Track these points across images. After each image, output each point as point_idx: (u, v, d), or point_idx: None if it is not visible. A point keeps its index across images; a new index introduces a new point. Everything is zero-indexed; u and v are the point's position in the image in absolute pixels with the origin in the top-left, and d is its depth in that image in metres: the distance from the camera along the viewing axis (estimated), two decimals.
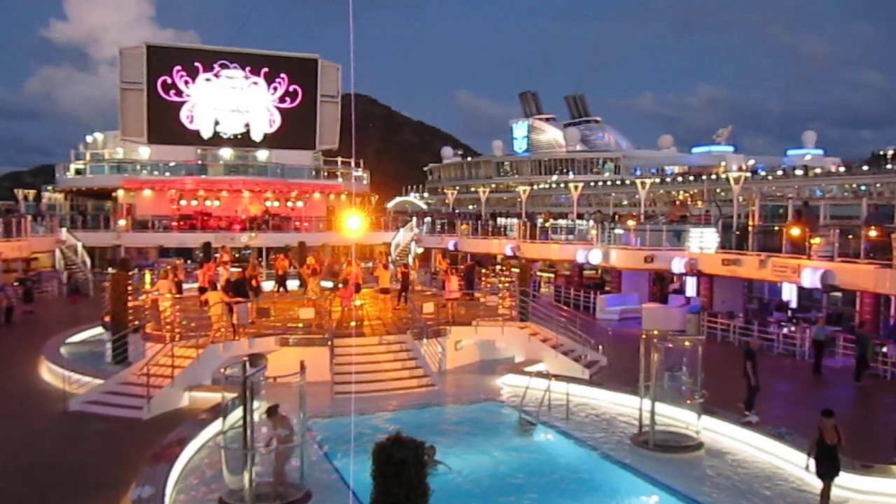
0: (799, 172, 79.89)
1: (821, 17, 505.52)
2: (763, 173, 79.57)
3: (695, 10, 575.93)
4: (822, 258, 23.50)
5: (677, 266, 29.80)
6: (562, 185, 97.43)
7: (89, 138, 61.95)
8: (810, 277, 23.24)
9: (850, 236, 23.67)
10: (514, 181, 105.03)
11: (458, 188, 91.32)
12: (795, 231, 24.68)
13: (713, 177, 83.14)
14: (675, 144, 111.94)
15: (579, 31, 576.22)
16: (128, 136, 51.26)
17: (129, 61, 49.89)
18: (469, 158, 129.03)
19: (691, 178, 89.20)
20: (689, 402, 15.46)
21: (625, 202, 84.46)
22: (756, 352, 16.99)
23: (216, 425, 14.16)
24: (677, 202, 68.19)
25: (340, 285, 24.41)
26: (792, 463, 13.80)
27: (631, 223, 35.56)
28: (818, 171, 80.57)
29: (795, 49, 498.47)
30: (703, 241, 29.71)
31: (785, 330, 25.18)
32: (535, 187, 79.32)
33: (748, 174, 32.71)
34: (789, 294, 29.01)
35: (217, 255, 31.88)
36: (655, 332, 16.00)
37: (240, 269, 26.48)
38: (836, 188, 72.47)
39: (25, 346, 24.18)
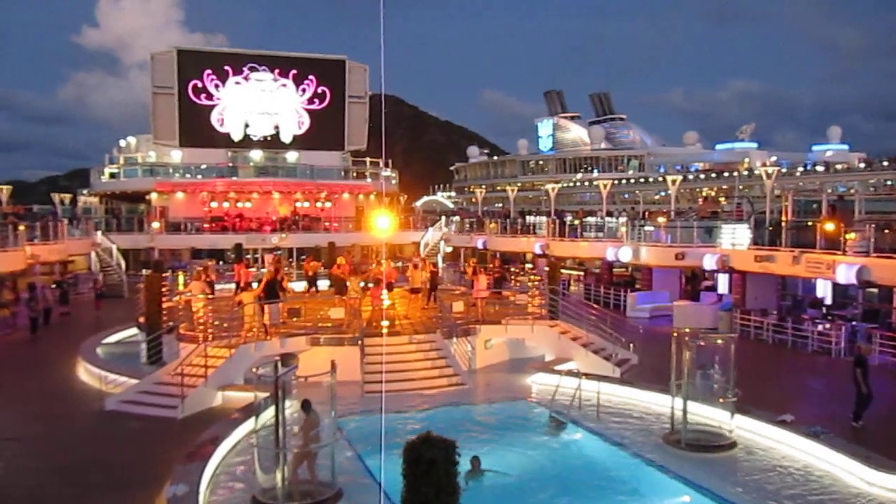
0: (820, 169, 78.77)
1: (857, 8, 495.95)
2: (784, 170, 78.66)
3: (727, 3, 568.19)
4: (857, 254, 23.07)
5: (709, 263, 29.47)
6: (586, 184, 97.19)
7: (122, 142, 63.02)
8: (845, 273, 22.84)
9: (887, 231, 23.23)
10: (539, 180, 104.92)
11: (485, 187, 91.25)
12: (830, 226, 24.28)
13: (735, 174, 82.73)
14: (700, 141, 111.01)
15: (609, 29, 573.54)
16: (160, 139, 52.02)
17: (160, 66, 50.59)
18: (495, 158, 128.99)
19: (714, 174, 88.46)
20: (721, 400, 15.28)
21: (655, 198, 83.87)
22: (867, 359, 16.64)
23: (249, 424, 14.33)
24: (708, 198, 67.52)
25: (371, 285, 24.55)
26: (827, 462, 13.60)
27: (661, 220, 35.22)
28: (839, 167, 79.44)
29: (831, 41, 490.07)
30: (736, 237, 29.36)
31: (819, 327, 24.79)
32: (561, 185, 78.96)
33: (768, 170, 32.05)
34: (824, 291, 28.53)
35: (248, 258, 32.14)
36: (687, 330, 15.83)
37: (271, 270, 26.73)
38: (858, 183, 71.19)
39: (63, 347, 24.66)
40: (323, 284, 30.11)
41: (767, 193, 31.65)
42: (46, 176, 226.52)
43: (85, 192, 64.51)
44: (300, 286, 30.36)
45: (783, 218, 28.36)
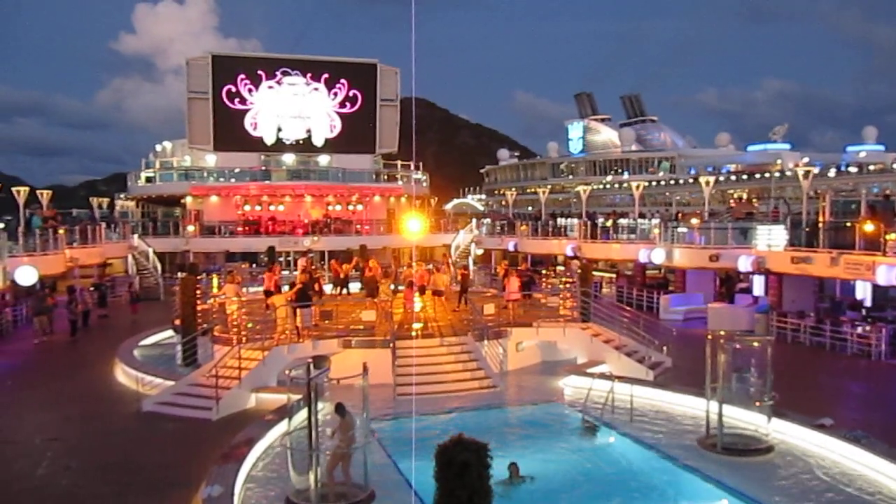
0: (853, 170, 77.50)
1: (894, 4, 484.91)
2: (817, 170, 77.33)
3: (761, 2, 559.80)
4: None
5: (744, 264, 29.06)
6: (616, 186, 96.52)
7: (158, 147, 63.99)
8: (886, 274, 22.36)
9: None
10: (569, 182, 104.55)
11: (515, 189, 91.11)
12: (870, 227, 23.77)
13: (766, 175, 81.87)
14: (732, 142, 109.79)
15: (641, 30, 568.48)
16: (195, 144, 52.73)
17: (195, 71, 51.30)
18: (525, 160, 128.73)
19: (745, 176, 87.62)
20: (758, 404, 15.03)
21: (687, 199, 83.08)
22: None
23: (282, 426, 14.43)
24: (743, 199, 66.56)
25: (401, 287, 24.63)
26: (869, 467, 13.30)
27: (695, 221, 34.81)
28: (871, 167, 78.07)
29: (867, 39, 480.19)
30: (771, 238, 28.90)
31: (859, 329, 24.29)
32: (591, 187, 78.84)
33: (804, 171, 31.36)
34: (863, 292, 27.96)
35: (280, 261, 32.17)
36: (722, 333, 15.62)
37: (304, 273, 26.89)
38: (893, 184, 69.76)
39: (101, 349, 25.13)
40: (354, 287, 30.22)
41: (804, 194, 31.12)
42: (86, 180, 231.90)
43: (122, 196, 65.59)
44: (328, 288, 30.49)
45: (820, 219, 27.86)
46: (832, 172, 77.34)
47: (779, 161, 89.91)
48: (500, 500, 9.21)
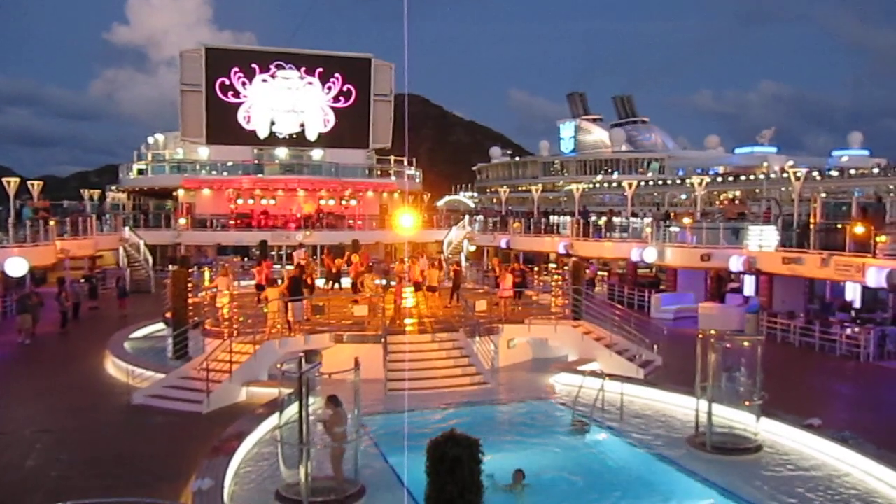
0: (834, 174, 78.72)
1: (890, 8, 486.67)
2: (801, 173, 77.88)
3: (758, 4, 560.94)
4: (888, 257, 22.71)
5: (735, 265, 29.16)
6: (606, 185, 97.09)
7: (150, 139, 63.70)
8: (875, 277, 22.49)
9: None
10: (560, 181, 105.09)
11: (507, 187, 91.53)
12: (860, 229, 23.90)
13: (752, 177, 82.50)
14: (721, 144, 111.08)
15: (637, 30, 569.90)
16: (187, 136, 52.50)
17: (188, 64, 51.07)
18: (517, 158, 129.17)
19: (731, 178, 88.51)
20: (747, 403, 15.11)
21: (676, 200, 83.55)
22: None
23: (273, 420, 14.43)
24: (735, 199, 66.94)
25: (393, 283, 24.60)
26: (856, 468, 13.41)
27: (687, 221, 34.89)
28: (852, 171, 79.25)
29: (864, 43, 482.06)
30: (763, 239, 29.02)
31: (848, 331, 24.43)
32: (583, 187, 79.23)
33: (797, 173, 31.52)
34: (853, 294, 28.12)
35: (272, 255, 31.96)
36: (713, 332, 15.69)
37: (296, 268, 26.85)
38: (874, 188, 70.53)
39: (91, 341, 25.03)
40: (346, 282, 30.15)
41: (795, 196, 31.24)
42: (77, 171, 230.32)
43: (113, 187, 65.27)
44: (320, 283, 30.42)
45: (811, 220, 27.99)
46: (816, 176, 78.21)
47: (765, 164, 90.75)
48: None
